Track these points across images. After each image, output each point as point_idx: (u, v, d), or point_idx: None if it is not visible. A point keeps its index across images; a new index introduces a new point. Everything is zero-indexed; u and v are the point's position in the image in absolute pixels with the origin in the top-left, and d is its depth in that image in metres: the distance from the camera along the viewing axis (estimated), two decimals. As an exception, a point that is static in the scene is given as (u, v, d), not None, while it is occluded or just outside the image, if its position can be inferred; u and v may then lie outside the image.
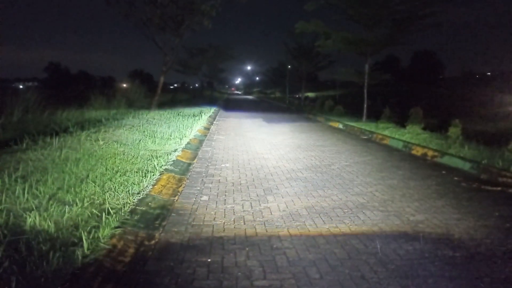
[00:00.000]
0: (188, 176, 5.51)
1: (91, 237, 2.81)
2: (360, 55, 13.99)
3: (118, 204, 3.62)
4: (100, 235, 2.86)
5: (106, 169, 4.83)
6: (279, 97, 43.85)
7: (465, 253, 3.09)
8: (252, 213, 4.01)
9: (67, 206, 3.29)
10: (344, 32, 13.41)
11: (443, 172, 6.15)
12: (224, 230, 3.50)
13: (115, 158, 5.44)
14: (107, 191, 3.93)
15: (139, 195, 4.04)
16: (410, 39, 21.98)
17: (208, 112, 16.83)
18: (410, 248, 3.16)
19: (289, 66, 33.35)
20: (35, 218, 2.97)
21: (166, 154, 6.27)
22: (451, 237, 3.41)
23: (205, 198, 4.51)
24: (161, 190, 4.48)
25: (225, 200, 4.46)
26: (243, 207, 4.19)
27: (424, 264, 2.88)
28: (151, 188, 4.36)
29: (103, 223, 3.04)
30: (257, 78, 77.65)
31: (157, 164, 5.39)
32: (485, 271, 2.78)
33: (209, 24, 15.55)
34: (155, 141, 7.45)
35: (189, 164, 6.32)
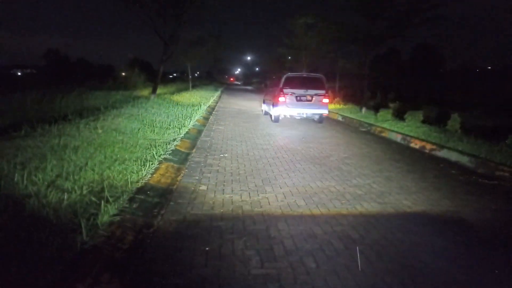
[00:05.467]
0: (186, 166, 5.52)
1: (90, 224, 2.82)
2: (362, 46, 13.93)
3: (117, 192, 3.64)
4: (99, 222, 2.88)
5: (105, 157, 4.83)
6: (278, 88, 43.64)
7: (461, 245, 3.13)
8: (250, 203, 4.03)
9: (66, 193, 3.31)
10: (347, 24, 13.37)
11: (441, 165, 6.18)
12: (222, 219, 3.53)
13: (113, 147, 5.43)
14: (106, 179, 3.93)
15: (137, 183, 4.05)
16: (411, 31, 21.83)
17: (207, 102, 16.78)
18: (406, 240, 3.19)
19: (289, 57, 33.10)
20: (34, 204, 2.99)
21: (165, 144, 6.26)
22: (447, 230, 3.44)
23: (203, 187, 4.53)
24: (160, 179, 4.50)
25: (223, 189, 4.48)
26: (241, 197, 4.21)
27: (420, 255, 2.91)
28: (150, 177, 4.37)
29: (102, 211, 3.05)
30: (257, 69, 77.20)
31: (156, 153, 5.39)
32: (479, 263, 2.81)
33: (210, 13, 15.42)
34: (154, 131, 7.44)
35: (188, 154, 6.33)
